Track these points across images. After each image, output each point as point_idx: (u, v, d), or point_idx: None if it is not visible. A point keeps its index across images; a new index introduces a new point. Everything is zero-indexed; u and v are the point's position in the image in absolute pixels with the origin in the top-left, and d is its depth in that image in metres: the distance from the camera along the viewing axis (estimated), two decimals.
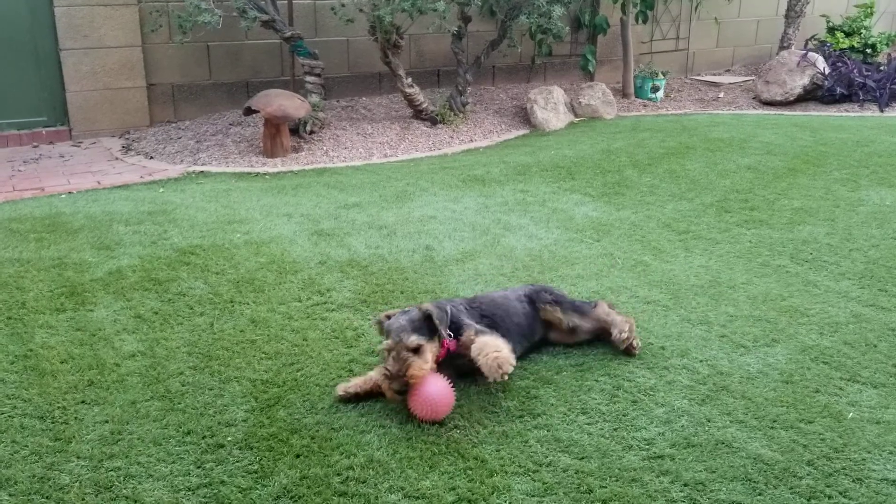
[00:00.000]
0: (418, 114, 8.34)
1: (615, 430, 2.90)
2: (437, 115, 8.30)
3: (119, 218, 5.13)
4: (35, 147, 7.64)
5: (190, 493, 2.52)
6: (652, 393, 3.14)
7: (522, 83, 10.25)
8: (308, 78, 7.81)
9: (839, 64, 9.85)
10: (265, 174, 6.61)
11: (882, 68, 9.86)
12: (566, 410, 3.02)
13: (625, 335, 3.39)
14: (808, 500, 2.52)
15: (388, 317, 3.06)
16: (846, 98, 9.55)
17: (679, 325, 3.71)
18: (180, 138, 7.76)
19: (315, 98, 7.78)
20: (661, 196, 5.74)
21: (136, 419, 2.91)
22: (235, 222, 5.06)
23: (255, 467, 2.65)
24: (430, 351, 2.98)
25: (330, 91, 8.72)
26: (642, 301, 3.97)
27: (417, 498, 2.52)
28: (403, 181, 6.16)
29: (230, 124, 8.09)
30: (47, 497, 2.49)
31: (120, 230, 4.87)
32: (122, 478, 2.58)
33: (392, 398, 2.94)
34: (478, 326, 3.16)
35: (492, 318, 3.27)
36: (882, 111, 9.22)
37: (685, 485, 2.60)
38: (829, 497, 2.53)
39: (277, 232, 4.89)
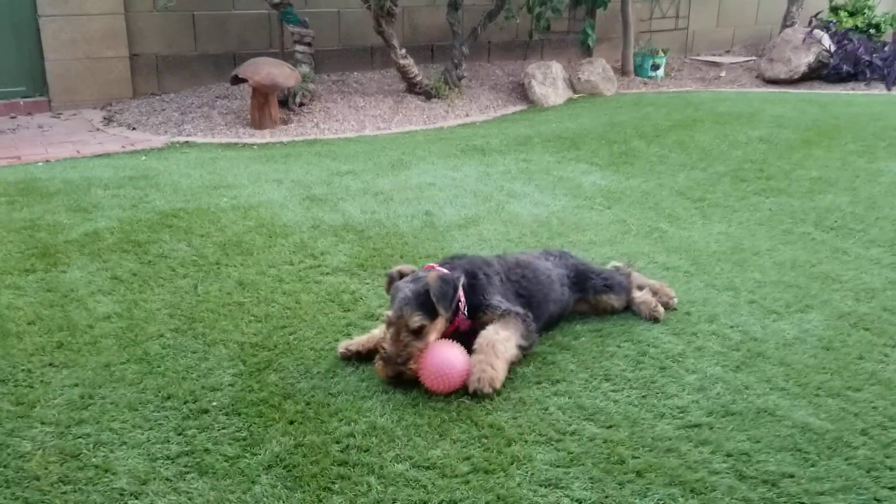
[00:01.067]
0: (412, 87, 8.02)
1: (643, 397, 2.62)
2: (431, 88, 7.99)
3: (98, 183, 4.79)
4: (13, 118, 7.26)
5: (169, 461, 2.22)
6: (681, 359, 2.86)
7: (518, 60, 9.94)
8: (298, 47, 7.47)
9: (845, 41, 9.60)
10: (253, 145, 6.29)
11: (887, 48, 9.63)
12: (588, 377, 2.73)
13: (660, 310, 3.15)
14: (868, 472, 2.24)
15: (402, 274, 2.76)
16: (852, 76, 9.31)
17: (704, 291, 3.43)
18: (164, 110, 7.41)
19: (305, 68, 7.44)
20: (672, 165, 5.46)
21: (109, 383, 2.60)
22: (222, 187, 4.74)
23: (244, 434, 2.35)
24: (435, 331, 2.66)
25: (320, 65, 8.38)
26: (661, 267, 3.69)
27: (427, 468, 2.22)
28: (399, 151, 5.85)
29: (216, 97, 7.74)
30: (5, 466, 2.18)
31: (98, 194, 4.53)
32: (91, 445, 2.27)
33: (385, 379, 2.62)
34: (505, 306, 2.77)
35: (528, 300, 2.90)
36: (889, 89, 8.99)
37: (728, 455, 2.32)
38: (891, 469, 2.26)
39: (266, 197, 4.57)
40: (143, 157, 5.67)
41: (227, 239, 3.86)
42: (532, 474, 2.21)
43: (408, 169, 5.28)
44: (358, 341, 2.77)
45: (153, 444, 2.29)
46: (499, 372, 2.61)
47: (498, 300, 2.81)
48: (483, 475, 2.20)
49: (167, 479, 2.15)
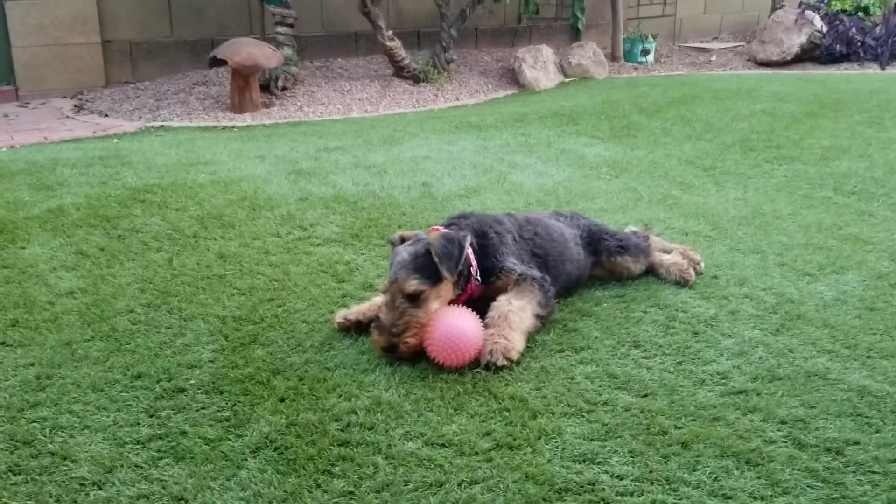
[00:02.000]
0: (399, 71, 7.72)
1: (679, 363, 2.33)
2: (419, 72, 7.69)
3: (65, 163, 4.44)
4: None
5: (139, 446, 1.89)
6: (714, 323, 2.58)
7: (507, 47, 9.66)
8: (279, 29, 7.14)
9: (836, 22, 9.42)
10: (233, 127, 5.95)
11: (878, 28, 9.46)
12: (615, 344, 2.44)
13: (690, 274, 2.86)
14: None
15: (403, 239, 2.45)
16: (845, 57, 9.12)
17: (729, 255, 3.15)
18: (139, 97, 7.05)
19: (288, 51, 7.11)
20: (677, 137, 5.19)
21: (70, 362, 2.27)
22: (199, 164, 4.40)
23: (227, 414, 2.03)
24: (437, 297, 2.34)
25: (303, 51, 8.04)
26: (680, 232, 3.42)
27: (443, 445, 1.92)
28: (389, 128, 5.54)
29: (194, 84, 7.39)
30: None
31: (65, 172, 4.18)
32: (47, 430, 1.95)
33: (379, 351, 2.30)
34: (520, 270, 2.50)
35: (544, 260, 2.63)
36: (883, 69, 8.80)
37: (782, 422, 2.04)
38: None
39: (249, 172, 4.24)
40: (116, 140, 5.32)
41: (206, 212, 3.53)
42: (563, 449, 1.91)
43: (400, 144, 4.97)
44: (357, 310, 2.46)
45: (120, 428, 1.96)
46: (514, 342, 2.31)
47: (512, 262, 2.51)
48: (507, 451, 1.90)
49: (136, 466, 1.83)
